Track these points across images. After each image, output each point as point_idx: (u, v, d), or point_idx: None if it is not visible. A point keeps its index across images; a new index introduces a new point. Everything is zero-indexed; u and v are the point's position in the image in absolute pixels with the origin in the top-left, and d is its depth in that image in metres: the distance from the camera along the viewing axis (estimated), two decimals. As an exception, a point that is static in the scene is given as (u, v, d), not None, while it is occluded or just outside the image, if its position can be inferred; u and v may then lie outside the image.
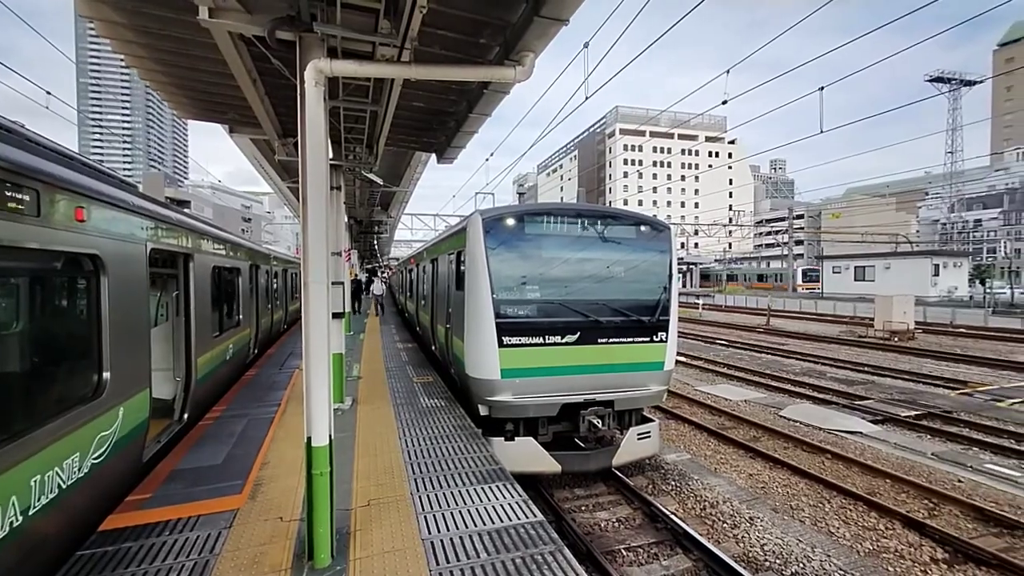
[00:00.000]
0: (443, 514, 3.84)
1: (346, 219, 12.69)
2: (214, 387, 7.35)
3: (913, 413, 10.45)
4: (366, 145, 6.39)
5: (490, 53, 4.20)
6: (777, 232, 74.16)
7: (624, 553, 5.42)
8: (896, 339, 21.48)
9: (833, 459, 8.15)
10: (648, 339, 6.72)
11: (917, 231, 71.79)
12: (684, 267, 70.51)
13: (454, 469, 4.72)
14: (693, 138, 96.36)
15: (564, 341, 6.30)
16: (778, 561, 5.23)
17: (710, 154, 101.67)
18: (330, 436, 3.28)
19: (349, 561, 3.29)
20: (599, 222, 6.62)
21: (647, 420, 7.28)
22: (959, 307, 30.36)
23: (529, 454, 6.28)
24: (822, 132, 12.89)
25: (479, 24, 4.04)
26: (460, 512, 3.87)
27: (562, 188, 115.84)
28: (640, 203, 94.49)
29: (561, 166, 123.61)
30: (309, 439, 3.22)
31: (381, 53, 3.36)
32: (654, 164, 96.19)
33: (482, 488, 4.28)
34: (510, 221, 6.32)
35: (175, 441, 5.59)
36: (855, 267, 41.59)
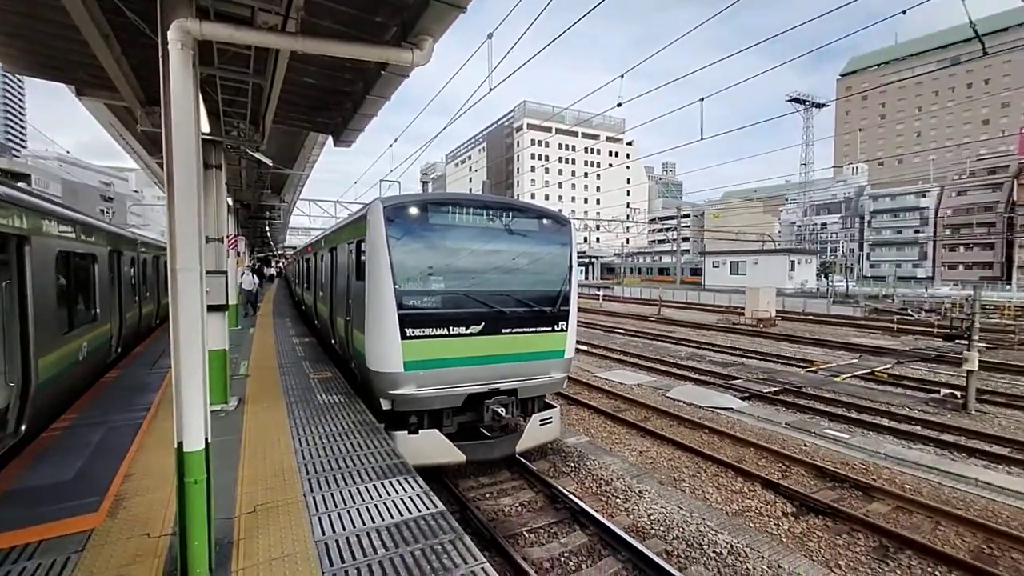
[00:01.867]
0: (339, 513, 3.67)
1: (231, 202, 11.50)
2: (63, 392, 6.30)
3: (773, 389, 12.03)
4: (250, 121, 5.80)
5: (387, 33, 4.00)
6: (667, 229, 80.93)
7: (526, 535, 5.61)
8: (761, 325, 24.59)
9: (710, 433, 9.11)
10: (550, 328, 6.96)
11: (779, 231, 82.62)
12: (587, 260, 74.24)
13: (352, 466, 4.54)
14: (595, 137, 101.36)
15: (469, 332, 6.30)
16: (662, 528, 5.75)
17: (610, 153, 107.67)
18: (206, 439, 2.97)
19: (231, 573, 3.03)
20: (503, 214, 6.70)
21: (549, 406, 7.56)
22: (809, 297, 35.55)
23: (434, 446, 6.23)
24: (702, 139, 14.27)
25: (374, 1, 3.83)
26: (357, 510, 3.73)
27: (471, 179, 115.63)
28: (547, 197, 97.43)
29: (470, 157, 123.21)
30: (180, 444, 2.89)
31: (263, 20, 3.05)
32: (560, 160, 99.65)
33: (381, 483, 4.16)
34: (413, 210, 6.16)
35: (10, 457, 4.71)
36: (730, 262, 46.79)
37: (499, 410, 6.53)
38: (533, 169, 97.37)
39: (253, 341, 11.95)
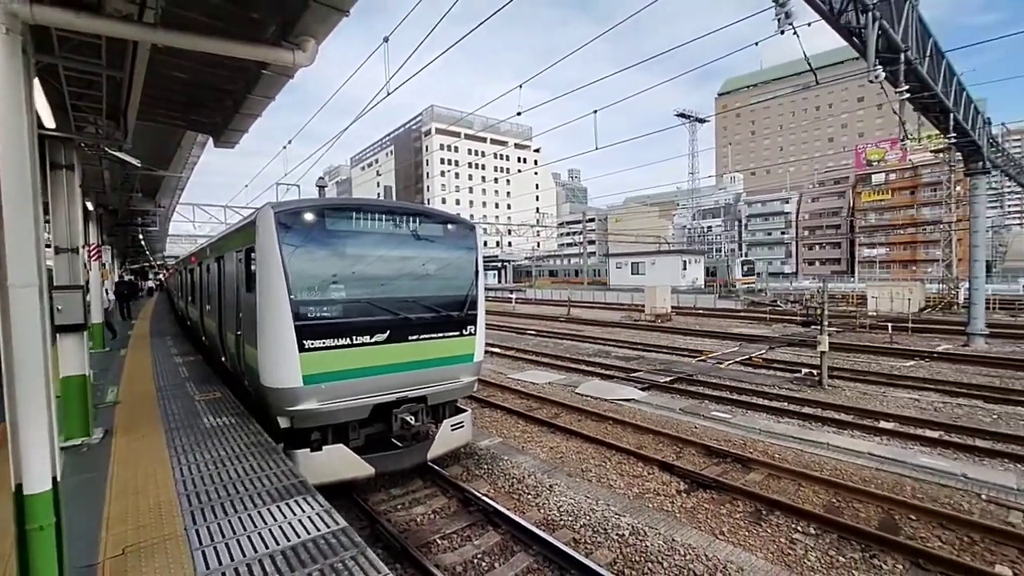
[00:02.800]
0: (227, 544, 3.38)
1: (90, 207, 10.06)
2: None
3: (669, 379, 13.08)
4: (108, 116, 5.11)
5: (265, 31, 3.74)
6: (575, 233, 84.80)
7: (439, 542, 5.56)
8: (659, 321, 26.63)
9: (614, 424, 9.68)
10: (458, 333, 6.97)
11: (672, 234, 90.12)
12: (500, 264, 75.26)
13: (244, 492, 4.19)
14: (504, 144, 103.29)
15: (373, 341, 6.12)
16: (571, 518, 6.00)
17: (519, 160, 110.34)
18: (54, 478, 2.59)
19: (91, 628, 2.67)
20: (406, 219, 6.60)
21: (460, 411, 7.55)
22: (699, 294, 39.17)
23: (339, 462, 5.95)
24: (597, 149, 15.19)
25: (248, -5, 3.55)
26: (249, 537, 3.46)
27: (378, 183, 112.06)
28: (457, 202, 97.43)
29: (377, 160, 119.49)
30: (19, 486, 2.49)
31: (114, 7, 2.72)
32: (469, 165, 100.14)
33: (277, 506, 3.89)
34: (308, 215, 5.85)
35: None
36: (631, 263, 50.10)
37: (408, 419, 6.41)
38: (443, 174, 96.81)
39: (125, 363, 10.56)
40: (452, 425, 7.12)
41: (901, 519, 5.97)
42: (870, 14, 8.47)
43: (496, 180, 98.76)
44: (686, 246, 75.73)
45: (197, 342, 13.19)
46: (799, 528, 5.82)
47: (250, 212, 7.16)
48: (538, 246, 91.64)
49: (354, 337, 5.96)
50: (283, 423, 5.79)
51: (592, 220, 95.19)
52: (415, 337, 6.49)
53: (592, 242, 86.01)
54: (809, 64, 7.02)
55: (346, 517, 5.98)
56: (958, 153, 18.88)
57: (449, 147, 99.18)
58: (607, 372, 14.38)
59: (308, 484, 4.33)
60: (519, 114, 10.43)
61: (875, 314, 25.75)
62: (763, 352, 16.87)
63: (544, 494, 6.66)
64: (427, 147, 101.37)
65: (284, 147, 16.51)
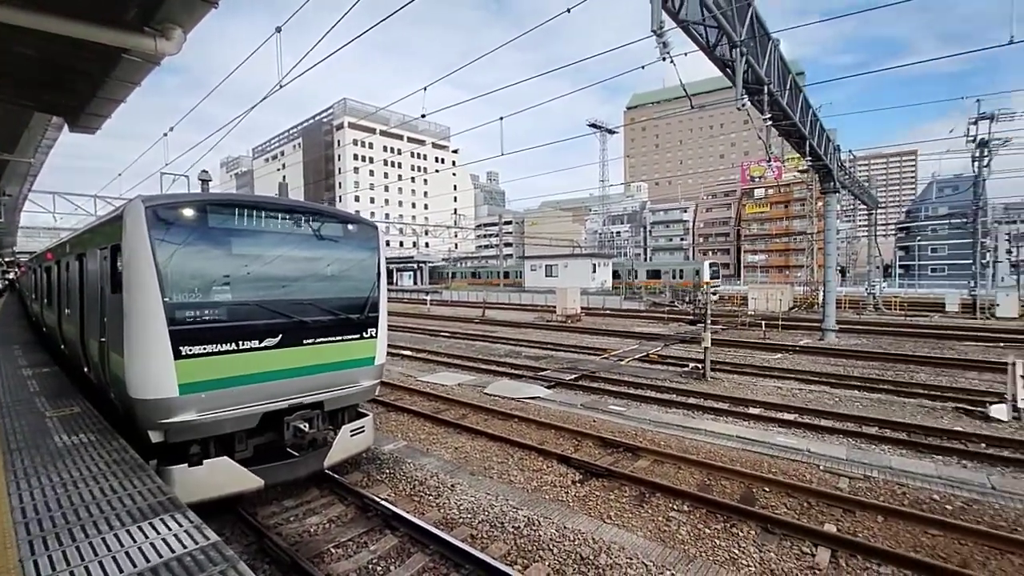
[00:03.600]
0: (72, 572, 3.05)
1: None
2: None
3: (573, 376, 13.74)
4: (-76, 89, 4.34)
5: (126, 13, 3.41)
6: (492, 235, 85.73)
7: (333, 551, 5.42)
8: (569, 321, 27.79)
9: (519, 422, 9.99)
10: (358, 336, 6.81)
11: (584, 238, 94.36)
12: (416, 265, 73.87)
13: (99, 514, 3.79)
14: (421, 143, 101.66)
15: (263, 345, 5.80)
16: (469, 515, 6.13)
17: (437, 160, 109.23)
18: None
19: None
20: (300, 218, 6.34)
21: (362, 415, 7.37)
22: (607, 295, 41.47)
23: (223, 476, 5.55)
24: (503, 154, 15.58)
25: (107, -28, 3.23)
26: (102, 562, 3.15)
27: (284, 176, 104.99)
28: (372, 200, 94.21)
29: (283, 153, 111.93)
30: None
31: (-79, -31, 2.35)
32: (385, 163, 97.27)
33: (139, 526, 3.57)
34: (187, 211, 5.41)
35: None
36: (545, 265, 51.78)
37: (302, 426, 6.14)
38: (356, 171, 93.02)
39: (-46, 378, 8.93)
40: (352, 431, 6.93)
41: (758, 492, 6.84)
42: (738, 49, 9.65)
43: (413, 179, 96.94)
44: (597, 250, 79.66)
45: (54, 351, 11.51)
46: (675, 507, 6.45)
47: (120, 204, 6.46)
48: (455, 247, 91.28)
49: (240, 342, 5.61)
50: (155, 437, 5.29)
51: (509, 223, 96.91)
52: (310, 341, 6.25)
53: (509, 244, 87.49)
54: (685, 90, 7.86)
55: (230, 534, 5.70)
56: (817, 174, 21.89)
57: (363, 143, 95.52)
58: (517, 372, 14.76)
59: (177, 500, 4.01)
60: (423, 116, 10.40)
61: (754, 313, 28.97)
62: (659, 349, 18.30)
63: (445, 494, 6.73)
64: (339, 141, 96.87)
65: (165, 134, 14.91)
